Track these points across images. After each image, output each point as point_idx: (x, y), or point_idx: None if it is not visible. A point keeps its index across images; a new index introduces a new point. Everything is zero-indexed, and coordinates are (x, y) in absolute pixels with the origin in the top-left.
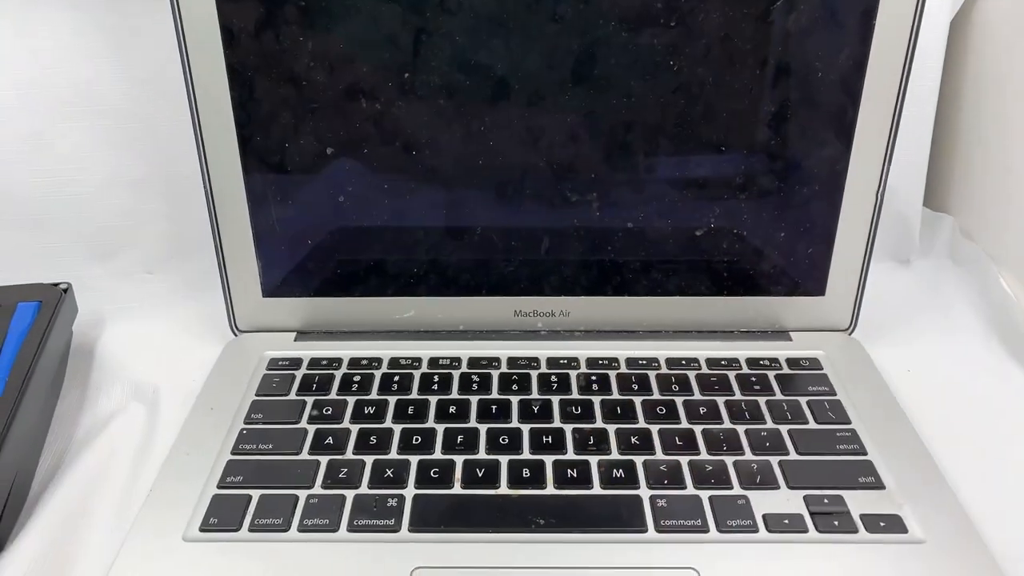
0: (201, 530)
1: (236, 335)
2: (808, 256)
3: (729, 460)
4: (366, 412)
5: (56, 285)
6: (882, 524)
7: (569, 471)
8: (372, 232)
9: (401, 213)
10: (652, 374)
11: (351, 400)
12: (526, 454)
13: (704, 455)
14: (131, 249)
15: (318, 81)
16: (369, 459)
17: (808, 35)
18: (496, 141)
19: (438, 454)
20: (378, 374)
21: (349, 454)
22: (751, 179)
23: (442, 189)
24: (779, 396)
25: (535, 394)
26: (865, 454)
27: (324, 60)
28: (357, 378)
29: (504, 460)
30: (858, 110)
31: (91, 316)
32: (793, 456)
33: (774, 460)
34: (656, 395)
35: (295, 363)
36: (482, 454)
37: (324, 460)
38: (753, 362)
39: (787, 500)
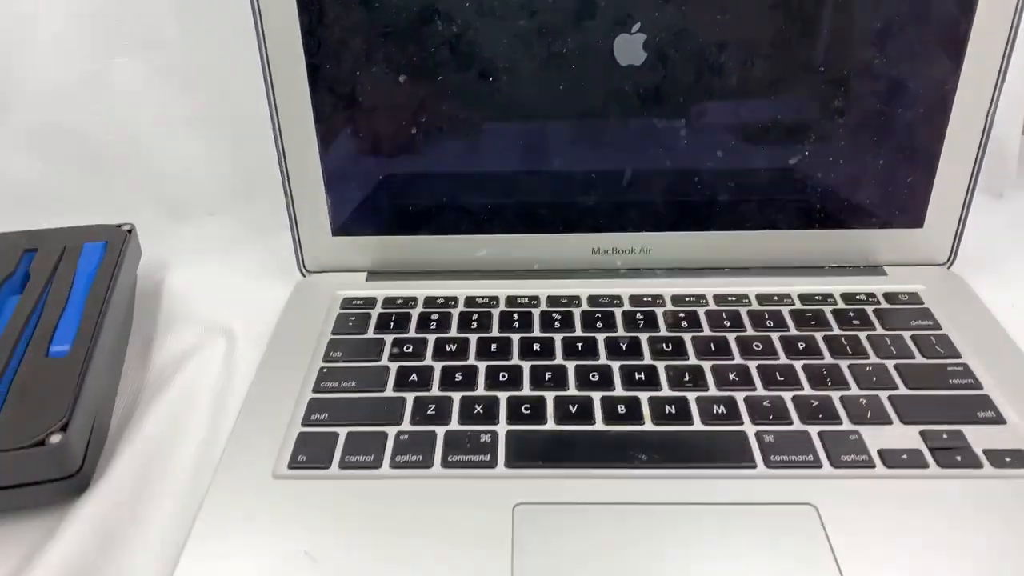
0: (290, 467)
1: (305, 275)
2: (908, 185)
3: (835, 395)
4: (448, 350)
5: (120, 227)
6: (1008, 459)
7: (667, 407)
8: (445, 165)
9: (476, 144)
10: (743, 310)
11: (431, 338)
12: (619, 391)
13: (808, 391)
14: (192, 190)
15: (391, 4)
16: (456, 395)
17: None
18: (578, 65)
19: (527, 391)
20: (455, 312)
21: (435, 391)
22: (851, 101)
23: (520, 118)
24: (880, 331)
25: (621, 331)
26: (981, 388)
27: None
28: (435, 316)
29: (596, 396)
30: (972, 21)
31: (154, 260)
32: (903, 391)
33: (883, 395)
34: (750, 331)
35: (369, 302)
36: (572, 391)
37: (410, 397)
38: (849, 297)
39: (902, 436)
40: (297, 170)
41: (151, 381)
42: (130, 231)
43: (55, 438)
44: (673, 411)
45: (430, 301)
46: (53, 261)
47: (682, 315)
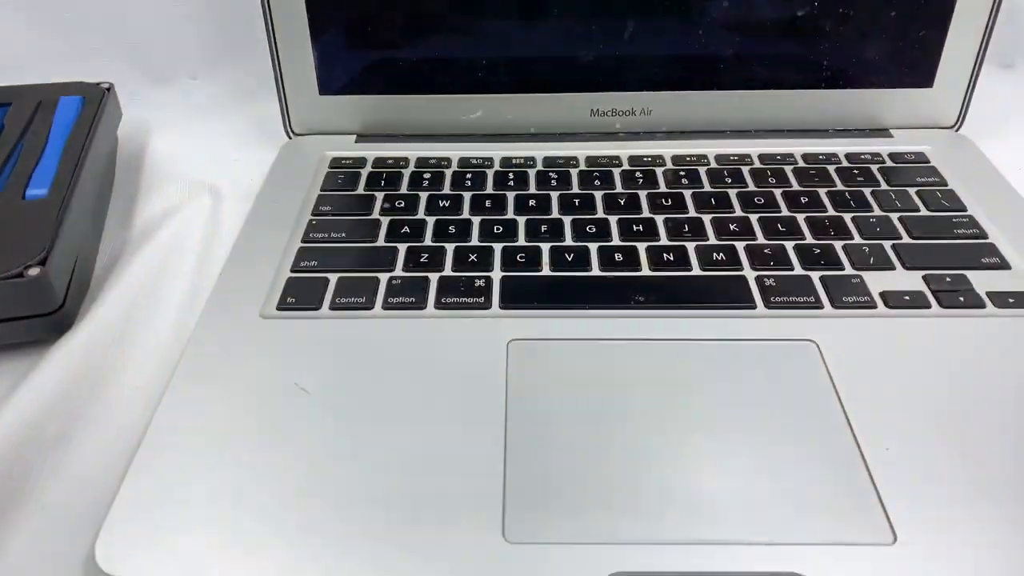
0: (279, 308)
1: (291, 138)
2: (919, 41)
3: (838, 244)
4: (441, 205)
5: (98, 84)
6: (1011, 300)
7: (665, 255)
8: (438, 20)
9: None
10: (745, 169)
11: (423, 195)
12: (616, 241)
13: (810, 239)
14: (172, 53)
15: None
16: (450, 246)
17: None
18: None
19: (522, 241)
20: (448, 172)
21: (428, 241)
22: None
23: None
24: (885, 187)
25: (619, 188)
26: (986, 237)
27: None
28: (427, 175)
29: (593, 246)
30: None
31: (135, 124)
32: (907, 240)
33: (887, 244)
34: (752, 187)
35: (359, 162)
36: (568, 241)
37: (402, 247)
38: (854, 156)
39: (905, 279)
40: (283, 24)
41: (135, 236)
42: (108, 89)
43: (33, 271)
44: (671, 258)
45: (422, 162)
46: (28, 114)
47: (682, 173)
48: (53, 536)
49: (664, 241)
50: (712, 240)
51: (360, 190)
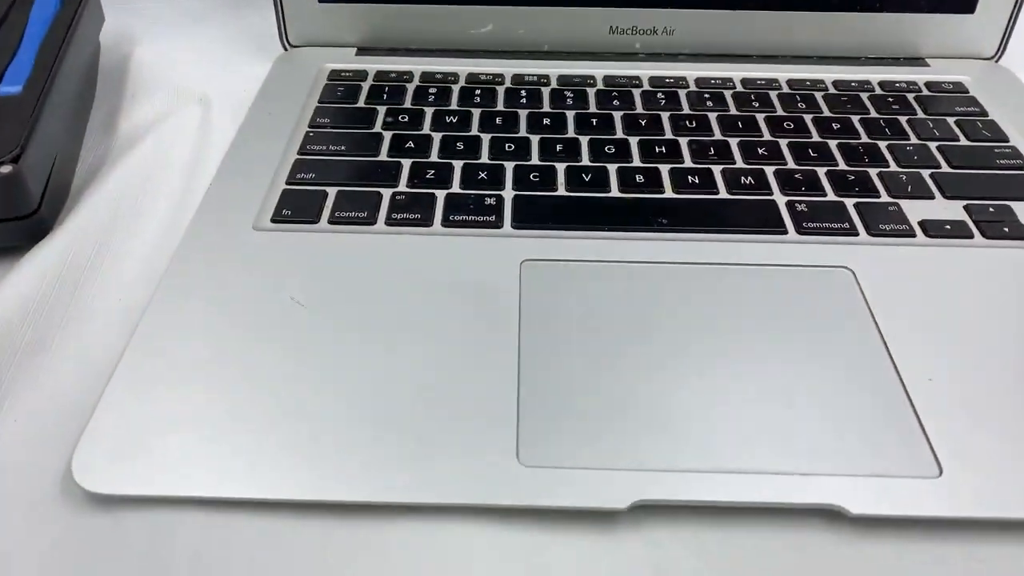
0: (273, 220)
1: (287, 49)
2: None
3: (873, 171)
4: (448, 121)
5: None
6: None
7: (690, 177)
8: None
9: None
10: (773, 93)
11: (429, 110)
12: (637, 162)
13: (843, 166)
14: None
15: None
16: (458, 163)
17: None
18: None
19: (535, 160)
20: (456, 87)
21: (434, 158)
22: None
23: None
24: (922, 116)
25: (640, 109)
26: None
27: None
28: (433, 90)
29: (612, 167)
30: None
31: (120, 32)
32: (946, 169)
33: (925, 173)
34: (780, 112)
35: (359, 75)
36: (586, 161)
37: (407, 162)
38: (888, 84)
39: (945, 208)
40: None
41: (119, 144)
42: None
43: (5, 168)
44: (696, 181)
45: (427, 76)
46: (1, 11)
47: (707, 96)
48: (27, 449)
49: (688, 163)
50: (739, 164)
51: (361, 103)
